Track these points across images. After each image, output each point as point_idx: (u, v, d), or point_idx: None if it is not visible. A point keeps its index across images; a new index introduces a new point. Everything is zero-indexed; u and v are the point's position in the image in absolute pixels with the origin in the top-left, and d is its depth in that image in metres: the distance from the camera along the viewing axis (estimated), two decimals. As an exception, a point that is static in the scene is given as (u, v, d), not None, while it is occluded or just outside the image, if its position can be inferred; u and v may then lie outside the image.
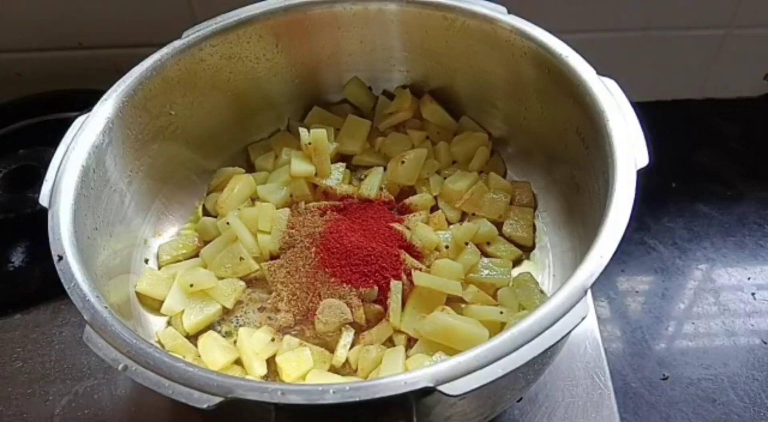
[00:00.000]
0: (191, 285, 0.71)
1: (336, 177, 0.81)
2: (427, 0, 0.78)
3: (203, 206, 0.83)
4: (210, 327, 0.72)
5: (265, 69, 0.82)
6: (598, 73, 0.66)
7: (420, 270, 0.72)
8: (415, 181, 0.82)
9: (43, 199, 0.61)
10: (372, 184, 0.80)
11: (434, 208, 0.81)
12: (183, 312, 0.71)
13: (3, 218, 0.81)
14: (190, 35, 0.75)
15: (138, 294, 0.71)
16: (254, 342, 0.68)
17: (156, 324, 0.71)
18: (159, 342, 0.68)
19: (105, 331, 0.52)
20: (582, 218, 0.69)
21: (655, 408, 0.74)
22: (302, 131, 0.80)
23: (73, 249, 0.58)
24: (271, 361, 0.68)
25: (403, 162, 0.81)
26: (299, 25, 0.80)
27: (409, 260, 0.72)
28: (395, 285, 0.70)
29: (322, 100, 0.89)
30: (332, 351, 0.68)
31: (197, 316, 0.71)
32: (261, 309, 0.73)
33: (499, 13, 0.74)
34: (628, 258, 0.87)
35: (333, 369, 0.68)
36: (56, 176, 0.63)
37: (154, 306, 0.71)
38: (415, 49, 0.83)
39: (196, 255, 0.77)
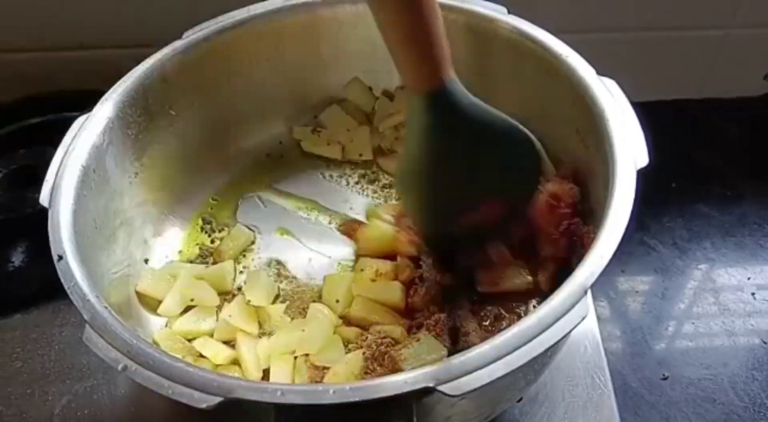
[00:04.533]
0: (192, 300, 0.71)
1: None
2: (427, 0, 0.78)
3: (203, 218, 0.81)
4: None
5: (265, 69, 0.82)
6: (598, 73, 0.66)
7: None
8: None
9: (43, 199, 0.61)
10: None
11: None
12: (180, 314, 0.71)
13: (3, 218, 0.81)
14: (191, 35, 0.75)
15: (138, 294, 0.71)
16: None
17: (156, 324, 0.71)
18: (155, 342, 0.67)
19: (105, 331, 0.52)
20: (582, 218, 0.69)
21: (655, 408, 0.74)
22: None
23: (73, 249, 0.58)
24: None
25: None
26: (300, 26, 0.80)
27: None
28: None
29: (323, 100, 0.88)
30: None
31: (190, 326, 0.70)
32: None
33: (499, 13, 0.74)
34: (628, 258, 0.87)
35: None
36: (56, 176, 0.63)
37: (155, 306, 0.71)
38: (416, 49, 0.83)
39: (202, 256, 0.77)
